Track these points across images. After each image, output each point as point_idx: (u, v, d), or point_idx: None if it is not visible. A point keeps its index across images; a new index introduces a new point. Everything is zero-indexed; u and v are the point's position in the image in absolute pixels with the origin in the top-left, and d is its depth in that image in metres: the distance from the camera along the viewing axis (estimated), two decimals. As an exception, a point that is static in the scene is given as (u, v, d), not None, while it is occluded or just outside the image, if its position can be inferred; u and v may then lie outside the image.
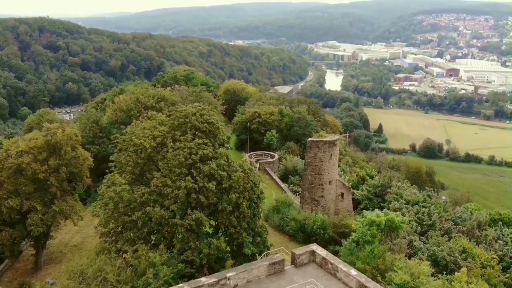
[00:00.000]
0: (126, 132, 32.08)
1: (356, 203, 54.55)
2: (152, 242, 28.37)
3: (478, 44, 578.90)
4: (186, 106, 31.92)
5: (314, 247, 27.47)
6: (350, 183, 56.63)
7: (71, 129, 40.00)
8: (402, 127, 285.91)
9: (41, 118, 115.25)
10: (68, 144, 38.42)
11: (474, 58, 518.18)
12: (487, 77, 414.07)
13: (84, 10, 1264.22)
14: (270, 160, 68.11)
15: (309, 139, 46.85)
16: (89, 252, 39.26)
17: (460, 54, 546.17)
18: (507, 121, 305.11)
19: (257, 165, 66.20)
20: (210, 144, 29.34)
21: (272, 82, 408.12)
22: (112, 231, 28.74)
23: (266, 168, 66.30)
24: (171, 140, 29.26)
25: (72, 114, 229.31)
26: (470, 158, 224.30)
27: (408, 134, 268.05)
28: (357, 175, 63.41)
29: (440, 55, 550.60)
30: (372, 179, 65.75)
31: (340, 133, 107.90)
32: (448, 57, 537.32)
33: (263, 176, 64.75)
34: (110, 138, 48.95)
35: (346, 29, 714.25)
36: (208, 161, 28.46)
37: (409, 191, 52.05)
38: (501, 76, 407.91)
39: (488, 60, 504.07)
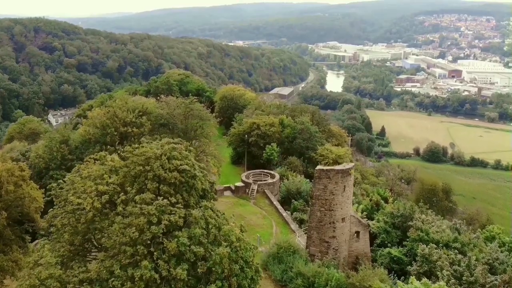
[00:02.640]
0: (64, 181, 23.54)
1: (372, 237, 46.05)
2: None
3: (480, 45, 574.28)
4: (151, 143, 23.16)
5: None
6: (365, 213, 48.17)
7: (12, 165, 31.10)
8: (405, 130, 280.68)
9: (23, 126, 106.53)
10: (10, 181, 29.76)
11: (476, 59, 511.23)
12: (490, 78, 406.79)
13: (85, 11, 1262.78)
14: (270, 181, 59.50)
15: (318, 167, 38.01)
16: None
17: (462, 55, 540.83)
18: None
19: (255, 187, 57.77)
20: (180, 203, 20.60)
21: (273, 83, 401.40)
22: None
23: (265, 190, 57.75)
24: (124, 198, 20.68)
25: (67, 117, 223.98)
26: (475, 163, 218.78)
27: (411, 136, 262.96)
28: (370, 200, 54.96)
29: (442, 56, 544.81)
30: (387, 203, 57.75)
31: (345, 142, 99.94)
32: (450, 58, 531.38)
33: (262, 201, 56.44)
34: (83, 160, 40.53)
35: (347, 30, 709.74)
36: (177, 232, 19.77)
37: (435, 226, 43.39)
38: (504, 77, 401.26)
39: (490, 61, 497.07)
